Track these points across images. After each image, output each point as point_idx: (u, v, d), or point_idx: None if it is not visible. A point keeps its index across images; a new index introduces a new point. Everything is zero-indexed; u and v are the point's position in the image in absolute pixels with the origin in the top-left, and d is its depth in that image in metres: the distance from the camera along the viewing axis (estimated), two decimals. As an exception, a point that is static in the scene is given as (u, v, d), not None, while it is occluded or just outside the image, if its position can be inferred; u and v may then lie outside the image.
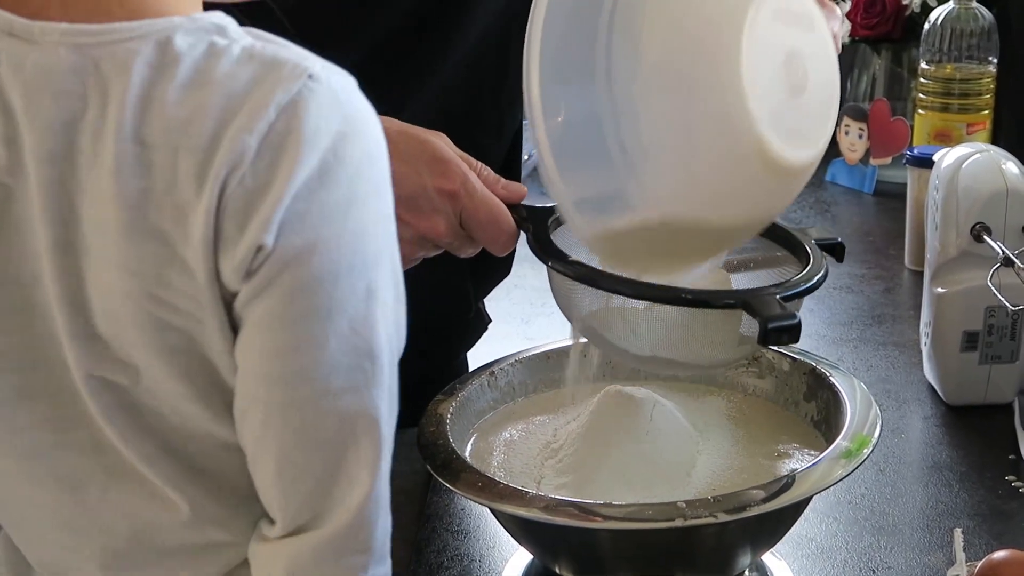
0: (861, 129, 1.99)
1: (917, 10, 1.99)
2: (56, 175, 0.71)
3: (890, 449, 1.25)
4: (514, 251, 1.03)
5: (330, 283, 0.72)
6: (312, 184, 0.71)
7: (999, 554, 0.98)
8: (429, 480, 1.17)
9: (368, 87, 1.15)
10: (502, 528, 1.03)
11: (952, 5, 1.85)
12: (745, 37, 0.84)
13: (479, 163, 1.02)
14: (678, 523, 0.88)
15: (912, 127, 1.93)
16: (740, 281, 1.02)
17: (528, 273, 1.49)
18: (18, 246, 0.73)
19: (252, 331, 0.73)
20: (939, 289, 1.31)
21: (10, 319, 0.75)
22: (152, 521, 0.80)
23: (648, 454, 0.98)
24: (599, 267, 0.94)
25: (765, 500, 0.90)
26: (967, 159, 1.31)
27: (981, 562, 0.98)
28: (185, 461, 0.78)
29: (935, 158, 1.38)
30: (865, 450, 0.95)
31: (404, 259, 1.00)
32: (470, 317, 1.35)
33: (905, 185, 1.70)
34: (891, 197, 1.94)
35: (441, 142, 1.00)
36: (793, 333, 0.89)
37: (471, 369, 1.16)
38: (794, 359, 1.10)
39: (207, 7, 0.77)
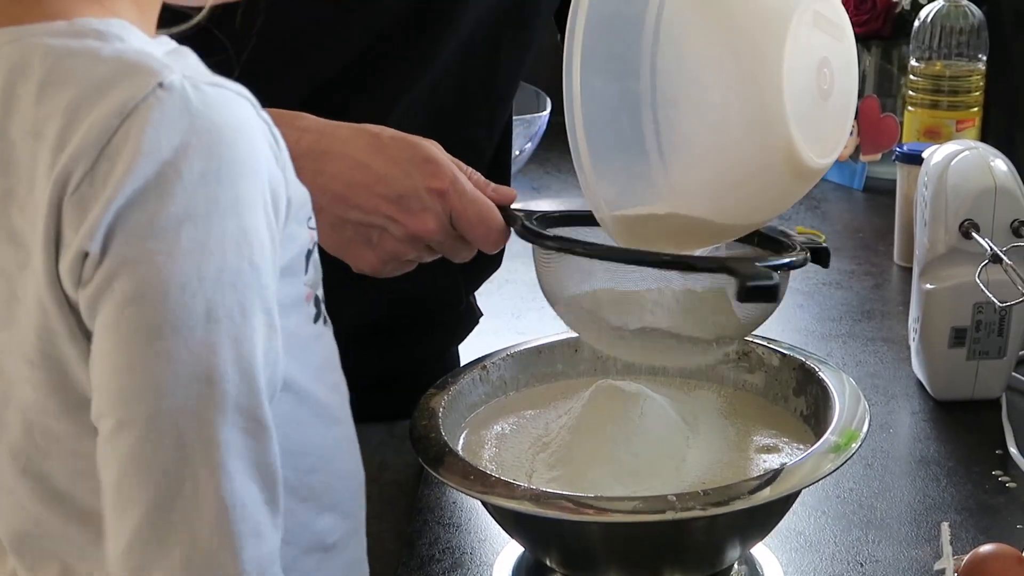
0: (851, 125, 1.99)
1: (907, 7, 1.99)
2: None
3: (878, 444, 1.26)
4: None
5: (159, 299, 0.70)
6: (145, 195, 0.69)
7: (986, 548, 0.98)
8: (421, 472, 1.18)
9: (360, 86, 1.16)
10: (493, 521, 1.03)
11: (942, 2, 1.86)
12: (789, 38, 0.87)
13: (469, 168, 1.03)
14: (668, 516, 0.89)
15: (902, 124, 1.93)
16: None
17: (519, 268, 1.49)
18: None
19: (96, 343, 0.72)
20: (928, 285, 1.31)
21: None
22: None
23: (639, 448, 0.99)
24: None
25: (754, 493, 0.91)
26: (956, 156, 1.32)
27: (968, 556, 0.98)
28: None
29: (924, 155, 1.38)
30: (853, 445, 0.96)
31: (395, 257, 1.02)
32: (460, 310, 1.35)
33: (895, 182, 1.70)
34: (880, 193, 1.94)
35: (432, 146, 1.01)
36: (770, 292, 0.90)
37: (463, 363, 1.17)
38: (784, 354, 1.10)
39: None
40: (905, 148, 1.67)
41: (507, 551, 1.08)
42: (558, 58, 0.91)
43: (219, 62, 0.85)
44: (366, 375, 0.95)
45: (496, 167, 1.27)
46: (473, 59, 1.20)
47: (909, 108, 1.89)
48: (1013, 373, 1.34)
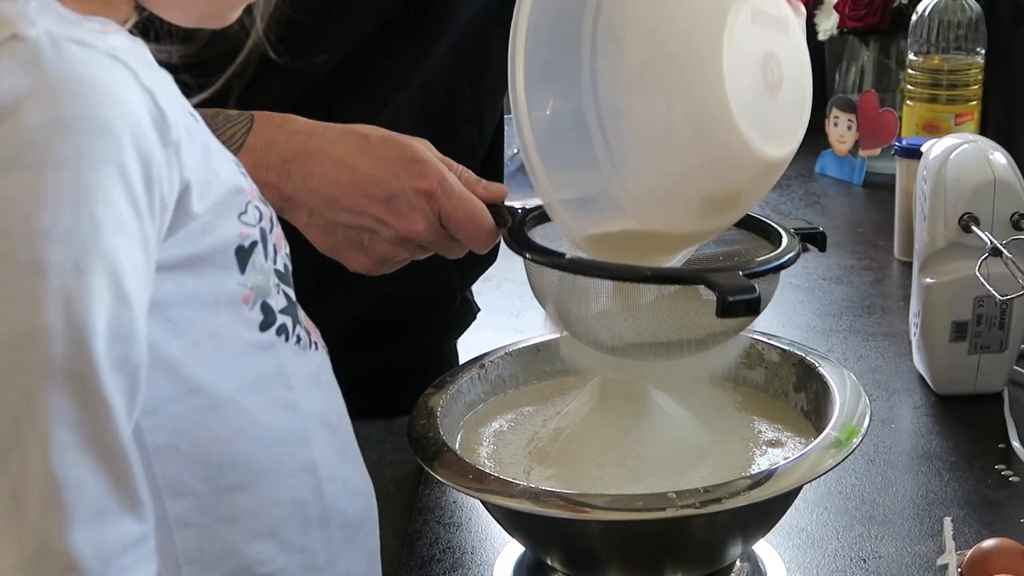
0: (850, 120, 1.99)
1: (905, 1, 1.99)
2: None
3: (880, 439, 1.26)
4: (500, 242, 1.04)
5: None
6: None
7: (988, 542, 0.98)
8: (420, 471, 1.17)
9: (352, 84, 1.16)
10: (494, 520, 1.03)
11: (940, -4, 1.86)
12: (726, 38, 0.86)
13: (460, 166, 1.03)
14: (668, 514, 0.88)
15: (900, 118, 1.93)
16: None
17: (518, 267, 1.47)
18: None
19: None
20: (928, 279, 1.31)
21: None
22: None
23: (636, 444, 0.98)
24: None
25: (754, 490, 0.91)
26: (955, 150, 1.31)
27: (971, 550, 0.98)
28: None
29: (923, 149, 1.38)
30: (855, 440, 0.95)
31: (387, 259, 1.02)
32: (457, 305, 1.35)
33: (894, 176, 1.70)
34: (880, 188, 1.94)
35: (421, 146, 1.01)
36: (751, 306, 0.88)
37: (462, 360, 1.16)
38: (784, 350, 1.10)
39: None
40: (904, 142, 1.67)
41: (508, 550, 1.07)
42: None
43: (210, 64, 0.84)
44: (364, 371, 0.94)
45: (489, 166, 1.27)
46: (463, 58, 1.20)
47: (908, 102, 1.89)
48: (1015, 367, 1.34)
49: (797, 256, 0.97)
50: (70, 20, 0.72)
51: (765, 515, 0.98)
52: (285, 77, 1.03)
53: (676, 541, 0.96)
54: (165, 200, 0.73)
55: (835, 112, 2.01)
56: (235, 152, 0.78)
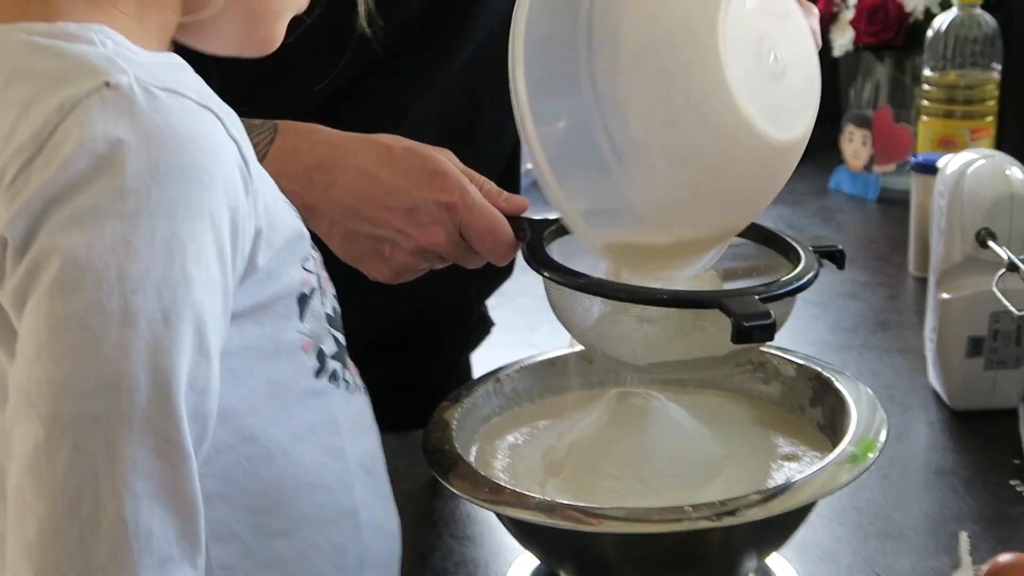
0: (865, 136, 1.99)
1: (920, 17, 1.99)
2: None
3: (895, 454, 1.25)
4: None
5: (73, 291, 0.67)
6: (75, 188, 0.68)
7: (1005, 557, 0.98)
8: (434, 483, 1.17)
9: (371, 96, 1.16)
10: (508, 533, 1.03)
11: (956, 12, 1.86)
12: (720, 22, 0.86)
13: (482, 177, 1.03)
14: (684, 526, 0.88)
15: (916, 134, 1.93)
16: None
17: (533, 282, 1.47)
18: None
19: (20, 337, 0.70)
20: (944, 295, 1.31)
21: None
22: None
23: (651, 457, 0.98)
24: (594, 274, 0.95)
25: (769, 504, 0.91)
26: (971, 165, 1.32)
27: (987, 565, 0.98)
28: None
29: (939, 164, 1.38)
30: (871, 455, 0.95)
31: (407, 269, 1.02)
32: (473, 319, 1.35)
33: (908, 192, 1.70)
34: (895, 204, 1.94)
35: (443, 157, 1.01)
36: (767, 331, 0.88)
37: (476, 373, 1.17)
38: (800, 364, 1.10)
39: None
40: (920, 158, 1.67)
41: (520, 563, 1.07)
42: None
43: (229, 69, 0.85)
44: (379, 383, 0.94)
45: (507, 179, 1.27)
46: (481, 70, 1.21)
47: (923, 118, 1.89)
48: (1031, 383, 1.34)
49: (814, 279, 0.97)
50: (146, 62, 0.73)
51: (780, 529, 0.98)
52: (306, 85, 1.04)
53: (691, 554, 0.96)
54: (244, 250, 0.74)
55: (850, 128, 2.01)
56: (259, 161, 0.78)
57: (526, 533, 0.99)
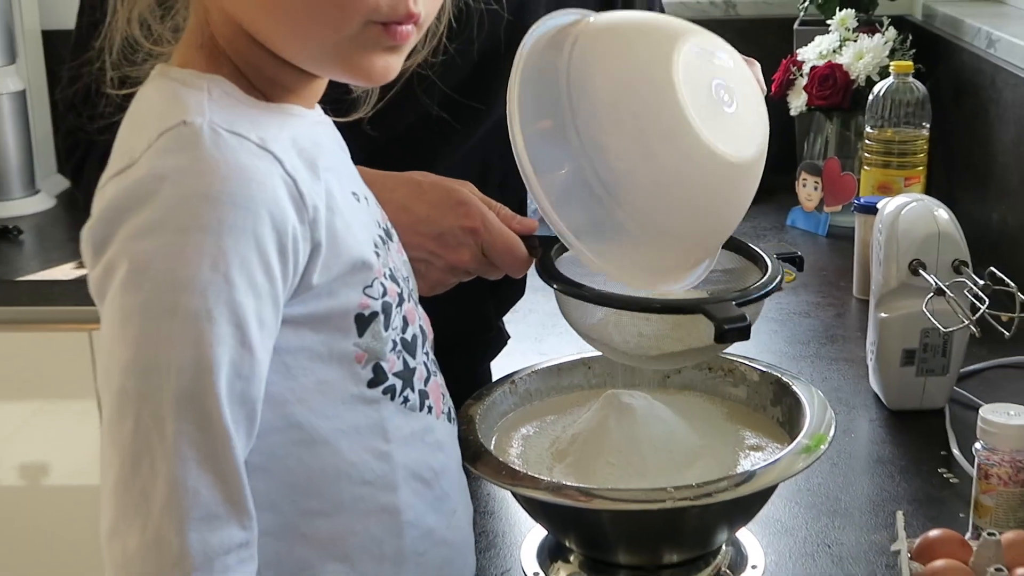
0: (816, 182, 1.99)
1: (863, 84, 2.00)
2: None
3: (842, 446, 1.25)
4: (525, 277, 1.04)
5: (133, 291, 0.69)
6: (141, 202, 0.70)
7: (934, 532, 0.98)
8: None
9: (415, 147, 1.16)
10: (522, 509, 1.03)
11: (892, 80, 1.86)
12: (676, 69, 0.86)
13: (498, 204, 1.03)
14: (667, 505, 0.88)
15: (859, 181, 1.93)
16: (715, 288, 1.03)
17: (541, 300, 1.49)
18: None
19: None
20: (882, 314, 1.31)
21: None
22: None
23: (640, 446, 0.98)
24: (595, 286, 0.95)
25: (739, 487, 0.91)
26: (905, 207, 1.32)
27: (919, 539, 0.98)
28: None
29: (879, 206, 1.38)
30: (822, 446, 0.95)
31: (440, 284, 1.02)
32: (491, 334, 1.35)
33: (853, 229, 1.70)
34: (841, 239, 1.94)
35: (465, 189, 1.01)
36: (744, 332, 0.88)
37: (495, 378, 1.17)
38: (762, 371, 1.10)
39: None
40: (862, 200, 1.66)
41: (533, 534, 1.07)
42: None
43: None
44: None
45: (524, 205, 1.28)
46: (494, 137, 1.21)
47: (865, 167, 1.89)
48: (955, 387, 1.33)
49: (780, 283, 0.97)
50: (236, 109, 0.74)
51: (747, 507, 0.98)
52: (362, 140, 1.04)
53: (673, 528, 0.96)
54: (298, 267, 0.74)
55: (804, 175, 2.02)
56: None
57: (537, 509, 0.99)
